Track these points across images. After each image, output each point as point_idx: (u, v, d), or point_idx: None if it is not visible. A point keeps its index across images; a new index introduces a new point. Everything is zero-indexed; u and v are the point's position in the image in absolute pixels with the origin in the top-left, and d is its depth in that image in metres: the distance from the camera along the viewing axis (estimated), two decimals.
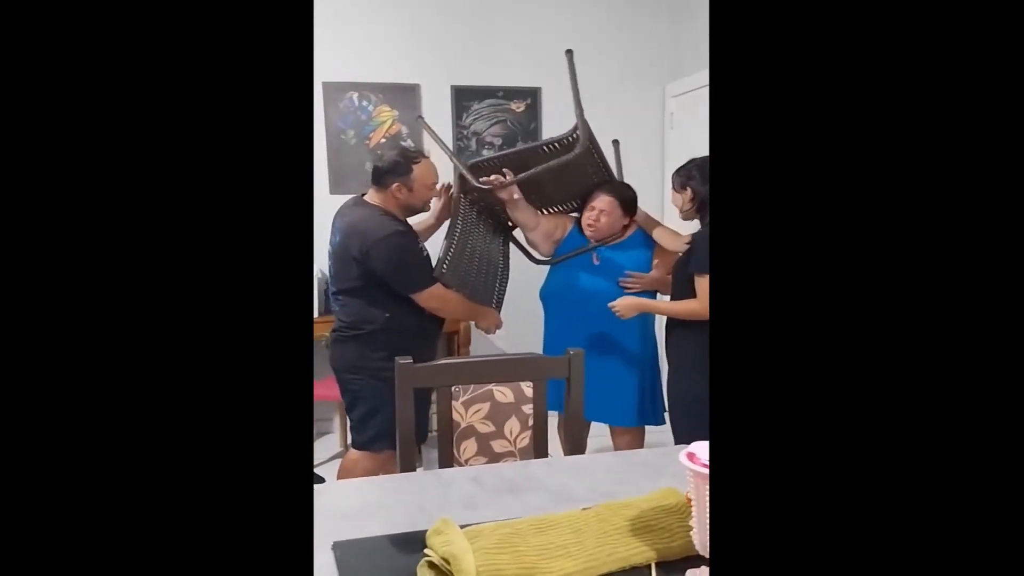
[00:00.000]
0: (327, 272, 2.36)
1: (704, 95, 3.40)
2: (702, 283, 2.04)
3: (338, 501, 1.25)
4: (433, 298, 2.21)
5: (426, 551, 0.99)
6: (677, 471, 0.93)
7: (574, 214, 2.56)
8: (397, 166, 2.18)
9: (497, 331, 2.51)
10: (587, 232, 2.41)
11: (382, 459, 2.27)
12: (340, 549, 1.06)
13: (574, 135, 2.29)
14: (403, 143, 3.46)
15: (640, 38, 3.70)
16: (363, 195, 2.29)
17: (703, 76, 3.38)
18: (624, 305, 2.22)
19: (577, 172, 2.41)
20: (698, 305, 2.06)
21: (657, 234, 2.43)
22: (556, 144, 2.35)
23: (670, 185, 2.25)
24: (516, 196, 2.37)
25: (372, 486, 1.35)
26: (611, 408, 2.41)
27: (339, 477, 2.36)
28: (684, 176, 2.18)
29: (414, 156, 2.23)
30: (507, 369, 1.64)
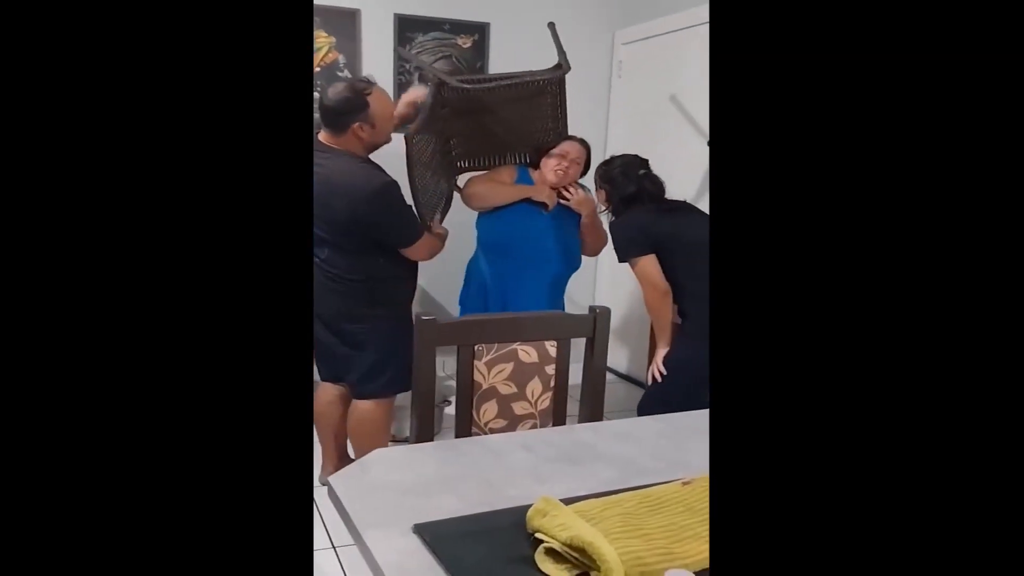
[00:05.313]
0: None
1: (655, 44, 3.35)
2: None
3: (388, 475, 1.14)
4: (422, 248, 2.10)
5: (539, 535, 0.92)
6: None
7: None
8: (351, 103, 1.91)
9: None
10: (552, 178, 2.39)
11: (389, 405, 2.19)
12: (427, 533, 0.96)
13: (551, 75, 2.29)
14: (340, 74, 3.19)
15: None
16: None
17: (656, 24, 3.32)
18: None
19: (536, 115, 2.44)
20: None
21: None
22: (540, 81, 2.32)
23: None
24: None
25: (420, 455, 1.24)
26: None
27: (351, 434, 2.25)
28: (603, 175, 2.26)
29: (364, 87, 1.94)
30: (528, 327, 1.55)
